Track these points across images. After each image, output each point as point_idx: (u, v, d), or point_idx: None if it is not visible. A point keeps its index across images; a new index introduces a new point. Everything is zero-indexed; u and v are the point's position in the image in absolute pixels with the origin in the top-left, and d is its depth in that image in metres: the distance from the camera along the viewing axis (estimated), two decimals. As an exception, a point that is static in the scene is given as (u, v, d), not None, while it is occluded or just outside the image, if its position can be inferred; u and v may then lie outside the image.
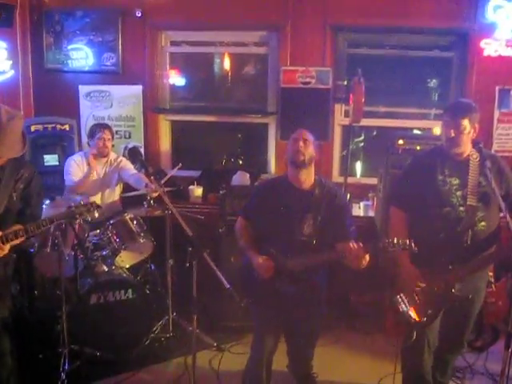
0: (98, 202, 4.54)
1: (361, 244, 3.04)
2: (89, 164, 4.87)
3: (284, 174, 3.52)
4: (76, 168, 4.86)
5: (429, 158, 3.38)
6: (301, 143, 3.29)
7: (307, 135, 3.36)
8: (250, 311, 3.57)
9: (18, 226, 3.03)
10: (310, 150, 3.30)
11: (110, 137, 4.93)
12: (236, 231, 3.59)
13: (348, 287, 5.06)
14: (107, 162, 5.02)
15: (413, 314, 3.26)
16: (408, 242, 2.94)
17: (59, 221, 3.22)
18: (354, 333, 4.86)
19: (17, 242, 3.02)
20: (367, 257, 3.06)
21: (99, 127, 4.95)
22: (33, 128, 5.38)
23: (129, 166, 5.06)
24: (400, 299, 3.30)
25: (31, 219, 3.15)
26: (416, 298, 3.25)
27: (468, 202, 3.18)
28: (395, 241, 2.94)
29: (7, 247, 2.92)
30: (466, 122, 3.15)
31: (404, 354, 3.49)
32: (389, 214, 3.51)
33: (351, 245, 3.02)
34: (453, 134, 3.16)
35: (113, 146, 5.11)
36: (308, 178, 3.35)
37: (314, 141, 3.38)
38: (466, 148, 3.25)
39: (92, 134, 4.93)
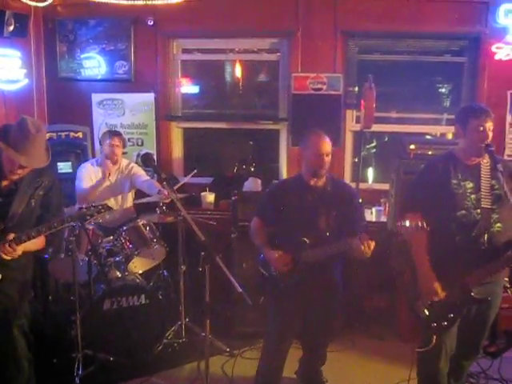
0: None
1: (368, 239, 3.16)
2: (102, 171, 4.89)
3: (298, 174, 3.67)
4: (87, 175, 4.89)
5: (442, 162, 3.36)
6: (325, 158, 3.41)
7: (328, 146, 3.46)
8: (267, 312, 3.60)
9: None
10: (330, 160, 3.45)
11: (118, 143, 4.94)
12: (251, 231, 3.70)
13: (362, 292, 5.06)
14: (119, 168, 5.05)
15: (433, 318, 3.26)
16: (420, 223, 2.98)
17: (70, 222, 3.18)
18: (369, 338, 4.83)
19: (32, 245, 3.05)
20: (372, 245, 3.15)
21: (108, 134, 5.00)
22: (47, 136, 5.40)
23: (141, 173, 5.10)
24: (420, 304, 3.30)
25: None
26: (436, 302, 3.24)
27: (482, 205, 3.19)
28: (407, 223, 2.98)
29: (20, 249, 2.93)
30: (491, 123, 3.20)
31: (421, 358, 3.46)
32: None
33: (360, 242, 3.14)
34: (489, 133, 3.18)
35: (125, 153, 5.14)
36: (322, 177, 3.50)
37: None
38: None
39: (102, 141, 4.98)
